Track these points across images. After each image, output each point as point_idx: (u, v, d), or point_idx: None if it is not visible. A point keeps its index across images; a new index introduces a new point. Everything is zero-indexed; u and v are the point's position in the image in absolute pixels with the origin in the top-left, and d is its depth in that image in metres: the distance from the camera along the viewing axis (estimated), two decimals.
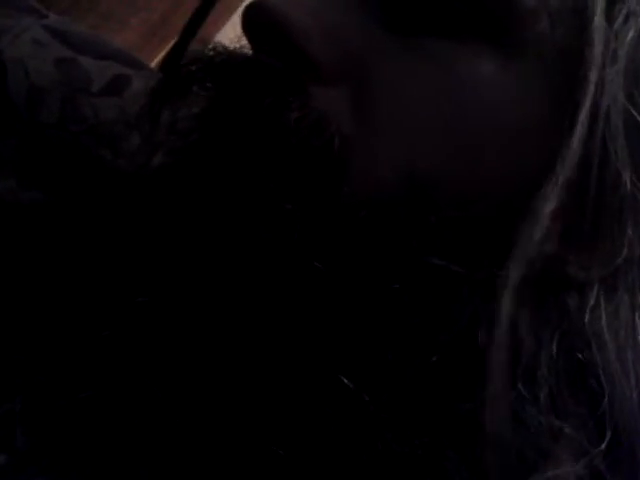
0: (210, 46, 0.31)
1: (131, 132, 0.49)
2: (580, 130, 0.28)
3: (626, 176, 0.28)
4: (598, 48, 0.28)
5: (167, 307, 0.29)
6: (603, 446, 0.28)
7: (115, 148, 0.49)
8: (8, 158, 0.50)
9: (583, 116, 0.28)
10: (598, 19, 0.28)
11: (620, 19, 0.28)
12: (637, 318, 0.30)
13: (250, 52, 0.31)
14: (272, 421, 0.29)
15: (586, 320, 0.29)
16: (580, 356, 0.29)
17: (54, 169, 0.49)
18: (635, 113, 0.28)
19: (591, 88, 0.28)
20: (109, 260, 0.32)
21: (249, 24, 0.30)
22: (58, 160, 0.49)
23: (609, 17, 0.28)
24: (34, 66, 0.50)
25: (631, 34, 0.28)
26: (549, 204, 0.27)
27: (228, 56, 0.31)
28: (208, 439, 0.29)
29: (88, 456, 0.29)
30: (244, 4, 0.31)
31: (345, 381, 0.27)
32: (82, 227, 0.36)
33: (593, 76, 0.28)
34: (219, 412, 0.29)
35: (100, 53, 0.53)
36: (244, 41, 0.32)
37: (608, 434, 0.28)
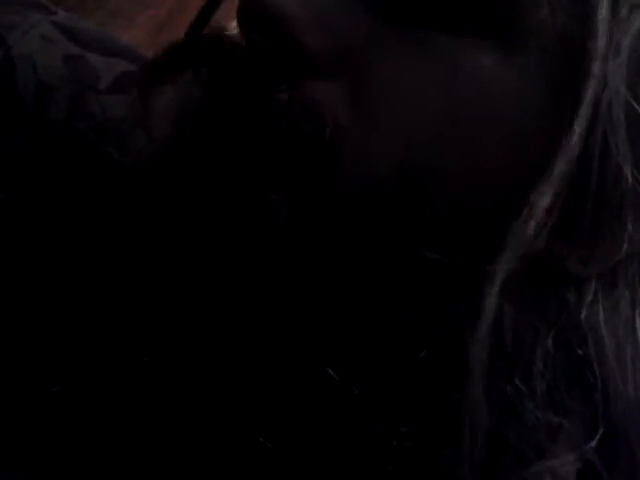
0: (204, 33, 0.31)
1: (137, 130, 0.49)
2: (581, 123, 0.27)
3: (627, 170, 0.28)
4: (602, 40, 0.28)
5: (157, 300, 0.29)
6: (594, 442, 0.28)
7: (122, 146, 0.49)
8: (14, 155, 0.50)
9: (584, 109, 0.27)
10: (603, 10, 0.28)
11: (624, 10, 0.28)
12: (637, 314, 0.29)
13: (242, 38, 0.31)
14: (261, 415, 0.28)
15: (583, 315, 0.29)
16: (579, 351, 0.29)
17: (60, 166, 0.49)
18: (637, 106, 0.28)
19: (593, 81, 0.27)
20: (107, 255, 0.32)
21: (244, 16, 0.30)
22: (64, 157, 0.49)
23: (613, 8, 0.28)
24: (42, 62, 0.51)
25: (635, 26, 0.28)
26: (544, 198, 0.27)
27: (220, 40, 0.31)
28: (194, 433, 0.29)
29: (67, 458, 0.29)
30: None
31: (331, 373, 0.27)
32: (81, 223, 0.36)
33: (596, 69, 0.27)
34: (206, 406, 0.29)
35: (108, 50, 0.53)
36: None
37: (600, 429, 0.28)
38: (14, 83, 0.50)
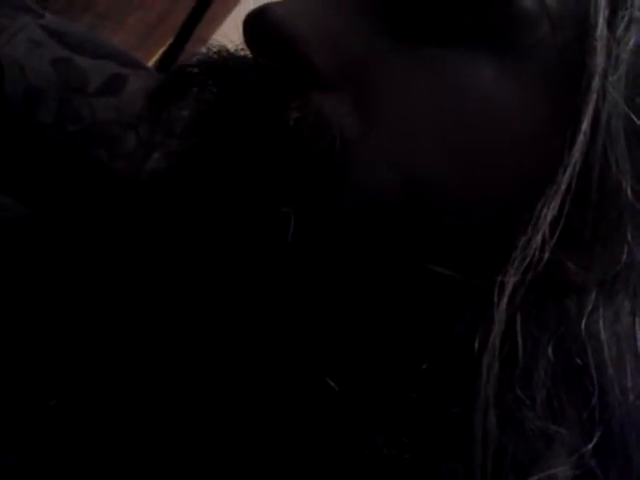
0: (212, 48, 0.31)
1: (127, 132, 0.49)
2: (582, 139, 0.27)
3: (626, 184, 0.28)
4: (600, 57, 0.28)
5: (157, 309, 0.29)
6: (590, 446, 0.28)
7: (111, 149, 0.49)
8: (5, 158, 0.50)
9: (585, 125, 0.27)
10: (600, 27, 0.28)
11: (622, 26, 0.28)
12: (637, 323, 0.30)
13: (251, 55, 0.31)
14: (260, 424, 0.28)
15: (583, 324, 0.29)
16: (579, 361, 0.29)
17: (50, 170, 0.49)
18: (636, 120, 0.28)
19: (593, 97, 0.28)
20: (104, 261, 0.32)
21: (250, 32, 0.30)
22: (54, 161, 0.49)
23: (611, 24, 0.28)
24: (31, 66, 0.50)
25: (633, 41, 0.28)
26: (550, 212, 0.27)
27: (229, 58, 0.31)
28: (191, 447, 0.29)
29: (64, 471, 0.29)
30: (241, 4, 0.31)
31: (331, 383, 0.27)
32: (76, 229, 0.35)
33: (595, 84, 0.28)
34: (204, 421, 0.29)
35: (97, 52, 0.52)
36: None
37: (597, 435, 0.28)
38: (2, 86, 0.50)
